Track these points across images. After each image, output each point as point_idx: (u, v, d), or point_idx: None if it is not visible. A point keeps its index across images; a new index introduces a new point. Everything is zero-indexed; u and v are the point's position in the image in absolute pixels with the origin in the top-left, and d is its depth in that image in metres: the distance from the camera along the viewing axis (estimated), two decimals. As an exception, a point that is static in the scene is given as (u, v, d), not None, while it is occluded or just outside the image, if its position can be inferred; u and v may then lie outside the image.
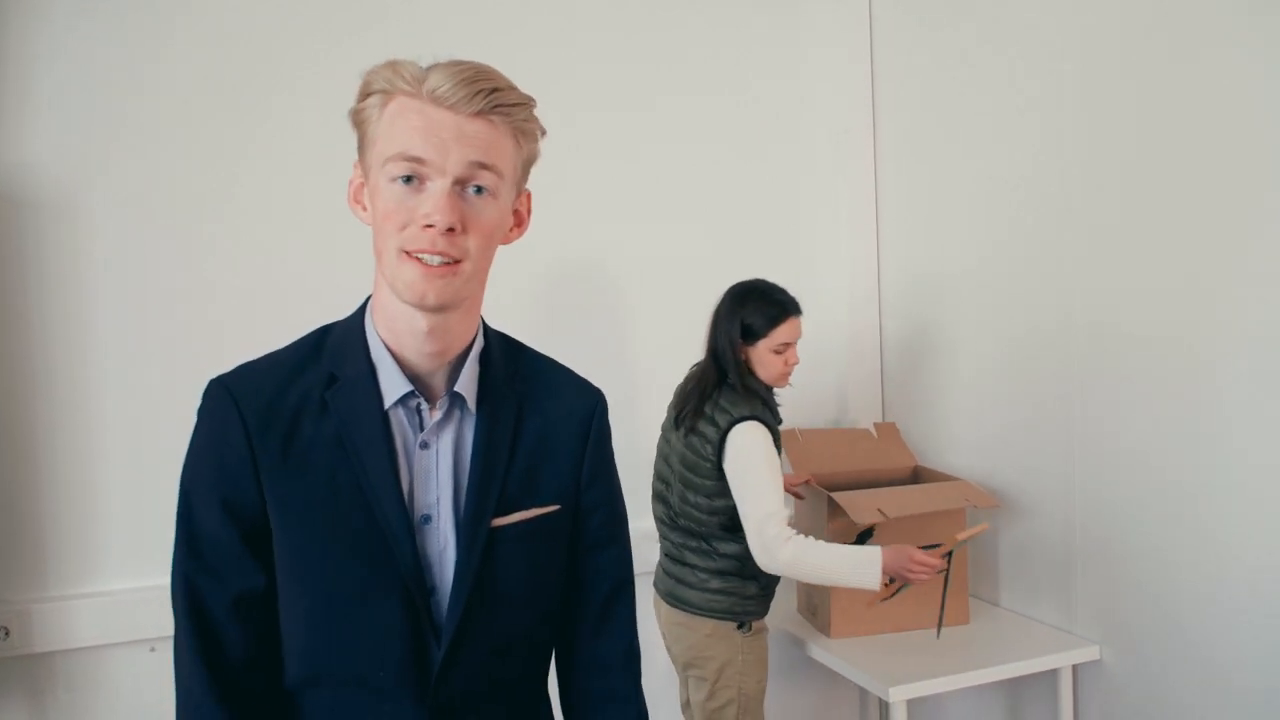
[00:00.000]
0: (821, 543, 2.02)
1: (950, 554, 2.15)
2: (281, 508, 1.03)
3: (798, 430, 2.56)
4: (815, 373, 2.87)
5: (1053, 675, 2.21)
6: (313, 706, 1.06)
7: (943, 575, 2.18)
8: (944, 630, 2.27)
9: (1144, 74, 1.99)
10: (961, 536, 2.14)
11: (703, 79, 2.72)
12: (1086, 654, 2.16)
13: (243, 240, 2.24)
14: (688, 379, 2.19)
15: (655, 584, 2.25)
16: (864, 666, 2.13)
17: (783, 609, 2.51)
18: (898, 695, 2.02)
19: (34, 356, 2.09)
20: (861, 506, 2.22)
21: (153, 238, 2.17)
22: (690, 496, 2.11)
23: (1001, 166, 2.40)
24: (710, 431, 2.06)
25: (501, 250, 1.09)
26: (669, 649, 2.23)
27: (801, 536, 1.99)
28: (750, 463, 2.02)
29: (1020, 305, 2.36)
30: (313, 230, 2.25)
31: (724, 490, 2.07)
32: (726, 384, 2.10)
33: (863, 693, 2.89)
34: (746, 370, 2.10)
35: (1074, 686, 2.21)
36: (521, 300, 2.45)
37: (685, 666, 2.18)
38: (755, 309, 2.10)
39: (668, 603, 2.18)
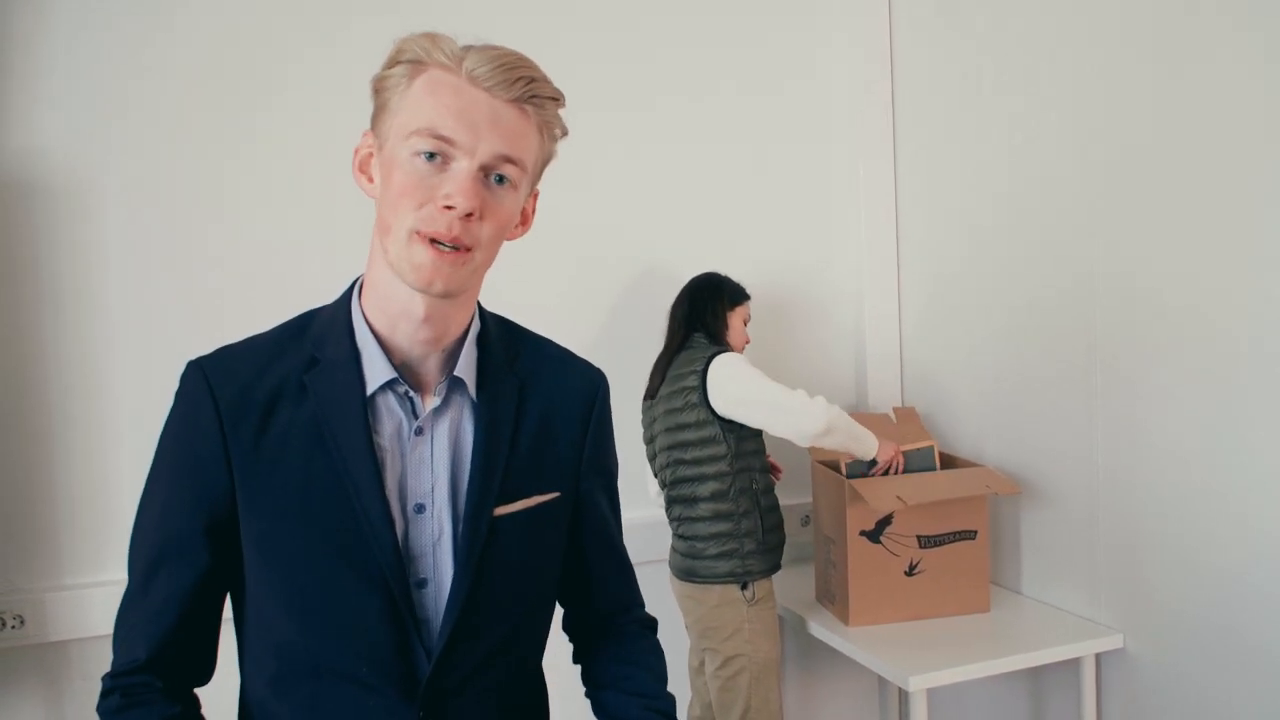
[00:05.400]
0: None
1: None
2: (254, 496, 0.98)
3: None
4: (834, 357, 2.85)
5: (1075, 664, 2.17)
6: (294, 701, 1.01)
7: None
8: (965, 618, 2.27)
9: (1170, 50, 1.94)
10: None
11: (721, 73, 2.68)
12: (1110, 642, 2.12)
13: (252, 226, 2.23)
14: (656, 361, 2.35)
15: (669, 564, 2.35)
16: (883, 655, 2.11)
17: (800, 596, 2.49)
18: (918, 684, 1.99)
19: (45, 344, 2.09)
20: (881, 493, 2.19)
21: (163, 223, 2.16)
22: (677, 455, 2.22)
23: (1022, 152, 2.35)
24: (691, 380, 2.20)
25: (526, 242, 1.07)
26: (685, 623, 2.33)
27: None
28: (745, 375, 2.16)
29: (1040, 288, 2.32)
30: (324, 216, 2.23)
31: (711, 437, 2.18)
32: (687, 346, 2.26)
33: (882, 681, 2.86)
34: (725, 326, 2.31)
35: (1097, 675, 2.17)
36: (537, 293, 2.42)
37: (700, 638, 2.28)
38: (732, 286, 2.37)
39: (679, 578, 2.29)
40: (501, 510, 1.04)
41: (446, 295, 0.96)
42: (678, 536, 2.29)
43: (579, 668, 1.26)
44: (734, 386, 2.16)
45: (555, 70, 1.07)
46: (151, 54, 2.15)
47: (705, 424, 2.19)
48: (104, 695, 1.01)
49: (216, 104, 2.20)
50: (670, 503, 2.29)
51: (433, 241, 0.93)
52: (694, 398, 2.19)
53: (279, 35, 2.25)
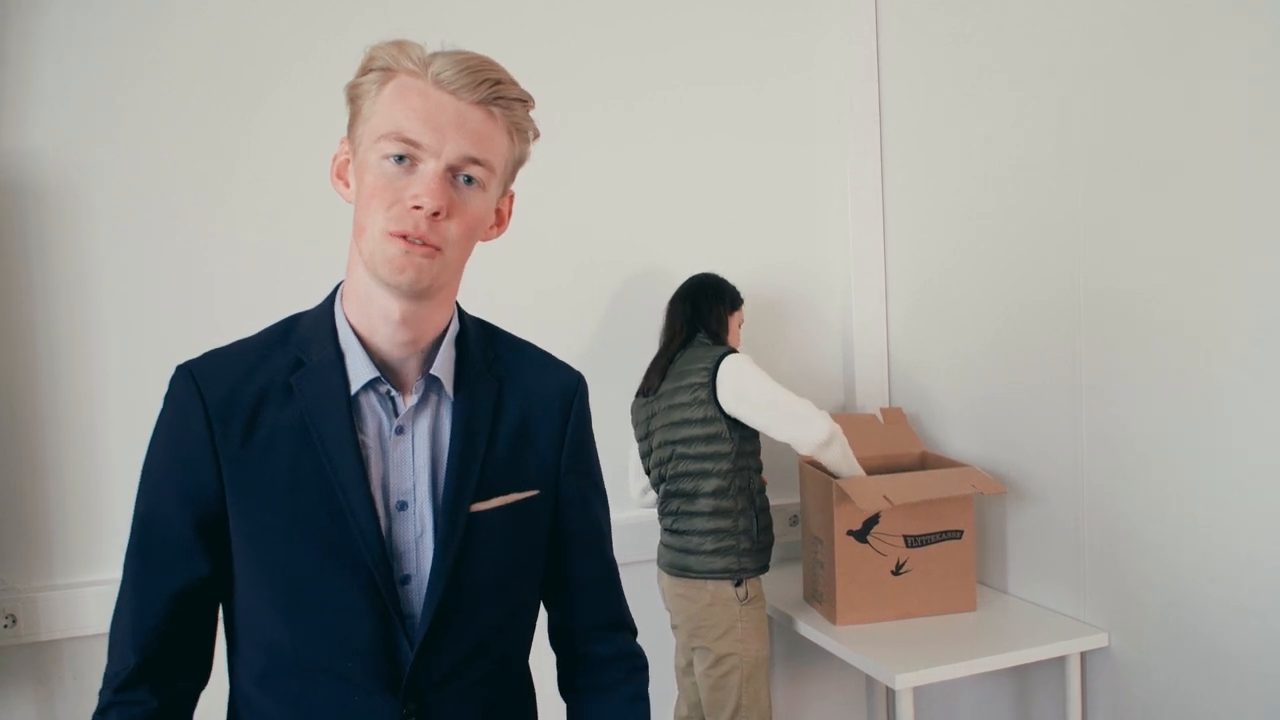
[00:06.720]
0: None
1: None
2: (242, 496, 1.01)
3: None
4: (821, 357, 2.86)
5: (1061, 662, 2.20)
6: (281, 698, 1.04)
7: None
8: (951, 617, 2.28)
9: (1154, 52, 1.96)
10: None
11: (710, 70, 2.69)
12: (1095, 641, 2.14)
13: (245, 228, 2.24)
14: (655, 358, 2.36)
15: (658, 560, 2.36)
16: (870, 654, 2.12)
17: (788, 595, 2.51)
18: (904, 683, 2.01)
19: (38, 345, 2.10)
20: (867, 492, 2.21)
21: (155, 225, 2.17)
22: (681, 449, 2.23)
23: (1008, 152, 2.37)
24: (700, 376, 2.22)
25: (507, 238, 1.08)
26: (673, 622, 2.33)
27: None
28: (756, 377, 2.21)
29: (1026, 290, 2.34)
30: (314, 217, 2.24)
31: (716, 434, 2.20)
32: (692, 344, 2.29)
33: (869, 680, 2.88)
34: (725, 329, 2.35)
35: (1082, 673, 2.19)
36: (521, 291, 2.44)
37: (689, 637, 2.28)
38: (732, 290, 2.41)
39: (669, 574, 2.29)
40: (478, 507, 1.05)
41: (418, 288, 0.98)
42: (671, 532, 2.29)
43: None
44: (746, 386, 2.19)
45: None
46: (145, 55, 2.15)
47: (712, 420, 2.21)
48: (100, 713, 1.03)
49: (210, 106, 2.20)
50: (667, 497, 2.29)
51: (404, 238, 0.96)
52: (703, 394, 2.21)
53: (274, 37, 2.25)
